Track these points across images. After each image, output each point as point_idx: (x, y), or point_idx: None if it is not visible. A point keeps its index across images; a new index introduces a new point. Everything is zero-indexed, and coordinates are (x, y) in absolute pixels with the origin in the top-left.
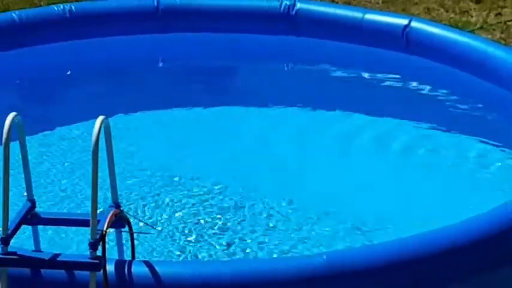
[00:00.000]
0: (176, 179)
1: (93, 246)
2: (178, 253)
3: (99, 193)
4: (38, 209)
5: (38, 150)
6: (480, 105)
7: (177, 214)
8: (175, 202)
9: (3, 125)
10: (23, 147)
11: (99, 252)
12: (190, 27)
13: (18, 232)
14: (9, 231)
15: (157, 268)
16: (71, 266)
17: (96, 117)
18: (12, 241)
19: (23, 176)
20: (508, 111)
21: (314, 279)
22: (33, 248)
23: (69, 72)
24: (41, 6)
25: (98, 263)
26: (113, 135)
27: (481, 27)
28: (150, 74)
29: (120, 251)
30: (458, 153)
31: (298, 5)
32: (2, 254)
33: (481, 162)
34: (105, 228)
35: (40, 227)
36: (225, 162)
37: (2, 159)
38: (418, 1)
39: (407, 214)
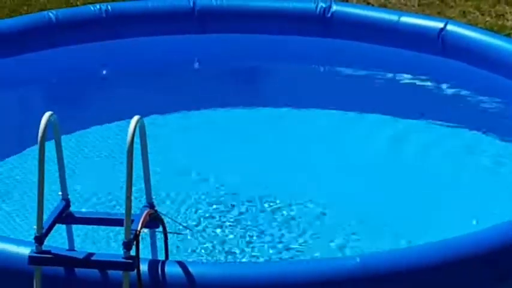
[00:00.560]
0: (207, 179)
1: (127, 246)
2: (211, 254)
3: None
4: (72, 208)
5: (73, 150)
6: None
7: (208, 215)
8: (207, 203)
9: (39, 124)
10: (58, 146)
11: (132, 252)
12: (226, 28)
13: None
14: (44, 230)
15: (190, 268)
16: (104, 265)
17: (131, 117)
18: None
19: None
20: None
21: (347, 281)
22: (67, 247)
23: (104, 72)
24: (77, 6)
25: (132, 263)
26: (148, 135)
27: None
28: (185, 75)
29: (154, 251)
30: (494, 158)
31: (334, 7)
32: (36, 253)
33: None
34: (139, 228)
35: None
36: (255, 164)
37: (38, 158)
38: (454, 4)
39: (444, 217)
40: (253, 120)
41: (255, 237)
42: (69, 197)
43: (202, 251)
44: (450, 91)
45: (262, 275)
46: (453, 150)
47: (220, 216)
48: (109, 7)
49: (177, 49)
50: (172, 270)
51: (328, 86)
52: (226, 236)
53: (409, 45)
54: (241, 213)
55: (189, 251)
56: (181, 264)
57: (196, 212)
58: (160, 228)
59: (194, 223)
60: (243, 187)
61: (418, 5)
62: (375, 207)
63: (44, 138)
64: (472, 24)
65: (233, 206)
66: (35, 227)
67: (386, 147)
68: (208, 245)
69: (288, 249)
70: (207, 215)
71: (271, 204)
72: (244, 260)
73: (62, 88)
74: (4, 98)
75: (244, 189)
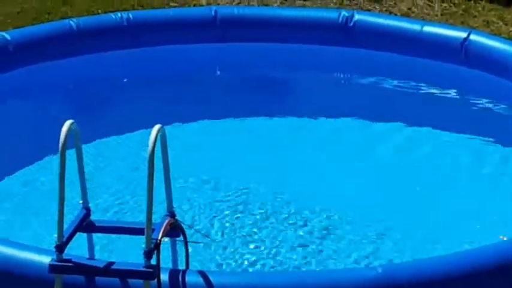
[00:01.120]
0: (228, 187)
1: (147, 254)
2: (231, 263)
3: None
4: (92, 217)
5: (94, 158)
6: None
7: (228, 224)
8: (227, 211)
9: (60, 133)
10: (79, 154)
11: (153, 261)
12: (247, 37)
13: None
14: (64, 239)
15: (211, 278)
16: (125, 274)
17: (153, 125)
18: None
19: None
20: None
21: None
22: (87, 256)
23: (125, 80)
24: (98, 14)
25: (152, 272)
26: (168, 144)
27: None
28: (206, 83)
29: (174, 260)
30: None
31: (357, 17)
32: (57, 261)
33: None
34: (159, 237)
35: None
36: (276, 172)
37: (59, 166)
38: (478, 14)
39: (465, 227)
40: (275, 129)
41: (275, 247)
42: (89, 205)
43: (223, 260)
44: (473, 101)
45: (283, 285)
46: (480, 160)
47: (241, 225)
48: (130, 15)
49: (198, 58)
50: (192, 279)
51: (350, 95)
52: (247, 245)
53: (432, 54)
54: (262, 222)
55: (209, 260)
56: (201, 273)
57: (216, 220)
58: (181, 237)
59: (214, 232)
60: (264, 195)
61: (441, 15)
62: (395, 216)
63: (65, 146)
64: (496, 34)
65: (253, 214)
66: (55, 235)
67: (408, 157)
68: (229, 254)
69: (308, 258)
70: (227, 223)
71: (292, 213)
72: (264, 269)
73: (82, 96)
74: (25, 106)
75: (266, 198)
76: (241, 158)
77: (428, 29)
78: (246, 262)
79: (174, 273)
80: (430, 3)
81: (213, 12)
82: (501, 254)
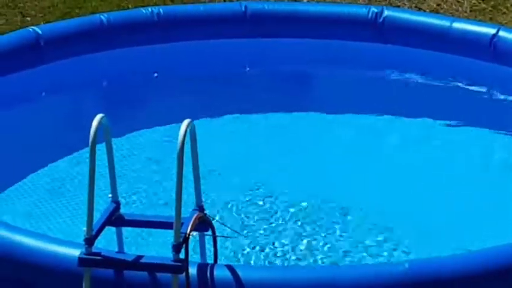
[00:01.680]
0: (256, 183)
1: (176, 248)
2: (259, 257)
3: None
4: (122, 211)
5: (124, 152)
6: None
7: (256, 218)
8: (254, 207)
9: (90, 127)
10: (109, 148)
11: (181, 255)
12: (277, 32)
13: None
14: (94, 232)
15: (239, 272)
16: (153, 268)
17: (182, 120)
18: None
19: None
20: None
21: (395, 287)
22: (116, 249)
23: (155, 75)
24: (128, 8)
25: (181, 266)
26: (197, 138)
27: None
28: (235, 78)
29: (203, 255)
30: None
31: (386, 13)
32: (86, 255)
33: None
34: (188, 231)
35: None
36: (303, 169)
37: (89, 160)
38: (506, 10)
39: (492, 223)
40: (304, 125)
41: (303, 241)
42: (119, 199)
43: (251, 254)
44: (502, 97)
45: (311, 280)
46: (509, 158)
47: (267, 220)
48: (161, 10)
49: (228, 53)
50: (220, 273)
51: (379, 91)
52: (274, 240)
53: (460, 51)
54: (289, 218)
55: (238, 254)
56: (229, 267)
57: (244, 215)
58: (210, 232)
59: (242, 227)
60: (291, 192)
61: (470, 11)
62: (422, 213)
63: (95, 140)
64: None
65: (281, 210)
66: (84, 228)
67: (436, 154)
68: (257, 248)
69: (332, 253)
70: (256, 218)
71: (318, 209)
72: (292, 264)
73: (112, 91)
74: (56, 101)
75: (293, 194)
76: (270, 153)
77: (457, 25)
78: (273, 256)
79: (202, 267)
80: None
81: (243, 8)
82: None
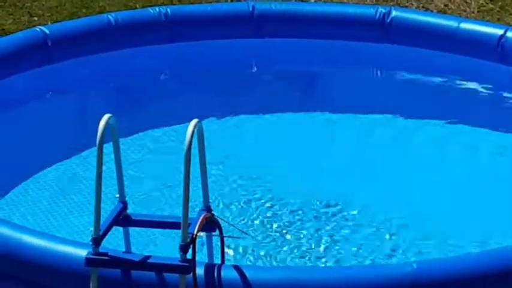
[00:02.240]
0: (263, 183)
1: (183, 249)
2: (267, 258)
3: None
4: (129, 211)
5: (132, 152)
6: None
7: (265, 219)
8: (263, 207)
9: (97, 127)
10: (116, 148)
11: (189, 256)
12: (284, 32)
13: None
14: (101, 232)
15: (246, 273)
16: (161, 268)
17: (189, 120)
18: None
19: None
20: None
21: (404, 287)
22: (124, 249)
23: (163, 75)
24: (136, 8)
25: (188, 266)
26: (205, 138)
27: None
28: (243, 78)
29: (210, 255)
30: None
31: (394, 13)
32: (93, 255)
33: None
34: (195, 232)
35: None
36: (311, 168)
37: (96, 160)
38: None
39: (503, 224)
40: (310, 125)
41: (310, 242)
42: (126, 199)
43: (259, 254)
44: (509, 98)
45: (319, 281)
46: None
47: (276, 221)
48: (168, 10)
49: (235, 53)
50: (228, 274)
51: (386, 91)
52: (282, 240)
53: (468, 51)
54: (297, 218)
55: (245, 255)
56: (237, 268)
57: (252, 215)
58: (217, 232)
59: (250, 227)
60: (299, 192)
61: (478, 11)
62: (431, 213)
63: (103, 140)
64: None
65: (290, 211)
66: (91, 228)
67: (444, 154)
68: (264, 249)
69: (342, 254)
70: (263, 219)
71: (328, 209)
72: (299, 264)
73: (120, 91)
74: (63, 101)
75: (301, 194)
76: (277, 153)
77: (465, 25)
78: (279, 257)
79: (209, 267)
80: (466, 0)
81: (250, 8)
82: None
